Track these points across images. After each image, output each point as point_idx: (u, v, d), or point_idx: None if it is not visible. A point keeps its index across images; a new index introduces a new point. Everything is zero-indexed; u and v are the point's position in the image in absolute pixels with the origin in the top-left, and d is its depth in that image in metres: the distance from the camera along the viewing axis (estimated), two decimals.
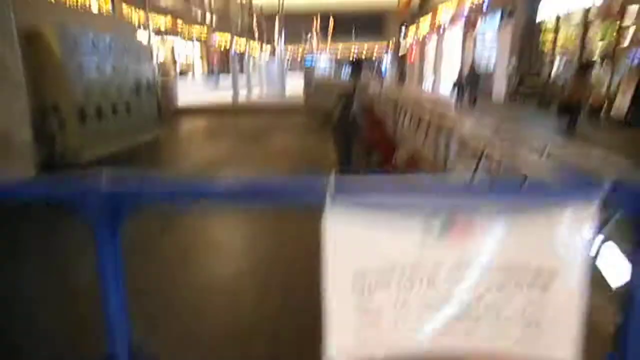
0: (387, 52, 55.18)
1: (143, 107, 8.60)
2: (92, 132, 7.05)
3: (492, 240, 0.72)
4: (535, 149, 1.90)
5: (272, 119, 13.28)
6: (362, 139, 6.51)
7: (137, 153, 7.98)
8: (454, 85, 14.94)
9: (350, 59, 26.47)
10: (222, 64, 35.61)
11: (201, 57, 33.59)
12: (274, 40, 33.64)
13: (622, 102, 10.17)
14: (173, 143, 9.62)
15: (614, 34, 11.51)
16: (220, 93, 21.67)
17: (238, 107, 15.86)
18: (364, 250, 0.72)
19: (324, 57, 58.52)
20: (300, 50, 52.43)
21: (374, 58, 61.69)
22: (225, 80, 25.18)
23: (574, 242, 0.72)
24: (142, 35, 21.38)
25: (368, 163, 5.42)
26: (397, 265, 0.72)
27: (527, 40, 15.85)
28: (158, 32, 24.70)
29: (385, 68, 50.40)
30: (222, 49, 36.33)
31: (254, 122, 12.87)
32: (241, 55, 31.87)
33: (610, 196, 0.69)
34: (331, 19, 50.59)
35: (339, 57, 60.74)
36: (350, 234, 0.71)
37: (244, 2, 44.58)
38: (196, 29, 30.08)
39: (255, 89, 22.65)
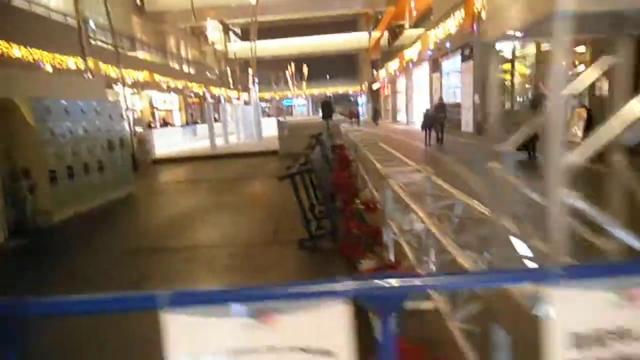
0: (361, 91, 56.89)
1: (115, 164, 8.79)
2: (63, 193, 7.19)
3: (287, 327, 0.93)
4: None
5: (246, 165, 13.58)
6: (328, 181, 6.63)
7: (110, 210, 8.12)
8: (423, 124, 15.52)
9: (322, 100, 27.11)
10: (200, 113, 36.32)
11: (179, 109, 34.17)
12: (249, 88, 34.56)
13: (576, 132, 10.79)
14: (147, 196, 9.77)
15: None
16: (199, 142, 22.04)
17: (214, 155, 16.16)
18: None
19: (301, 100, 60.08)
20: (278, 95, 53.80)
21: (350, 97, 63.45)
22: (204, 129, 25.68)
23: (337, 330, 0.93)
24: (118, 90, 21.78)
25: (328, 210, 5.60)
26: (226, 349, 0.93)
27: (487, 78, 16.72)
28: (135, 85, 25.22)
29: (361, 106, 51.88)
30: (199, 99, 37.14)
31: (228, 169, 13.15)
32: (218, 104, 32.63)
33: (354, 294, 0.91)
34: (304, 65, 52.25)
35: (315, 99, 62.55)
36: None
37: (218, 52, 46.06)
38: (174, 82, 30.74)
39: (232, 135, 23.07)
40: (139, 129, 15.76)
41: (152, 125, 24.24)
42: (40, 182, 6.83)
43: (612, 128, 1.17)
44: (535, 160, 9.14)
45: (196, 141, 23.38)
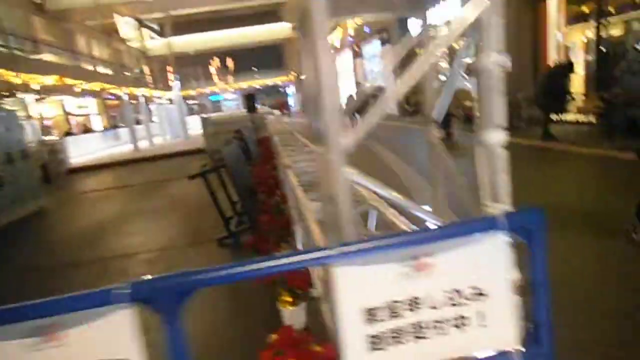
0: (290, 82, 56.76)
1: (19, 178, 8.12)
2: None
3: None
4: None
5: (168, 166, 13.10)
6: (246, 175, 6.53)
7: (15, 227, 7.50)
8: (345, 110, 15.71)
9: (245, 94, 26.79)
10: (121, 116, 34.40)
11: (99, 113, 32.21)
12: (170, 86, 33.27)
13: None
14: (59, 209, 9.13)
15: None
16: (122, 146, 20.95)
17: (135, 158, 15.43)
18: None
19: (230, 95, 58.96)
20: (204, 91, 52.22)
21: (280, 88, 63.13)
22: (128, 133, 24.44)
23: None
24: (22, 97, 20.09)
25: (245, 205, 5.53)
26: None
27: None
28: (44, 91, 23.39)
29: (291, 96, 51.85)
30: (120, 101, 35.18)
31: (150, 172, 12.62)
32: (138, 105, 31.09)
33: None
34: (229, 59, 51.17)
35: (245, 93, 61.48)
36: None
37: (134, 50, 43.85)
38: (88, 84, 28.78)
39: (158, 137, 22.18)
40: (51, 138, 14.68)
41: (70, 132, 22.69)
42: None
43: (380, 109, 1.22)
44: None
45: (119, 146, 22.18)
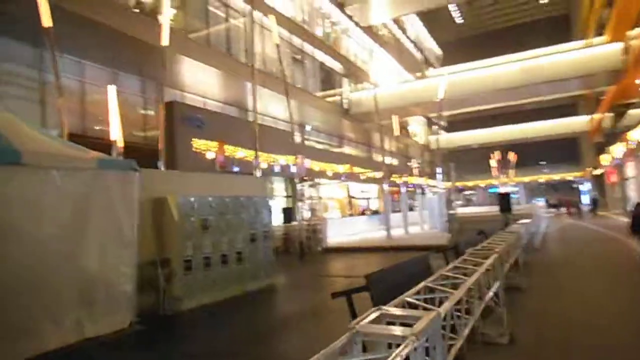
0: (584, 177, 48.65)
1: (257, 256, 9.09)
2: (198, 282, 7.67)
3: None
4: None
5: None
6: None
7: (243, 300, 8.26)
8: (633, 224, 11.66)
9: (500, 192, 23.97)
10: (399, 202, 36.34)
11: (378, 197, 35.10)
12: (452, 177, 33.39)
13: None
14: (287, 288, 9.71)
15: None
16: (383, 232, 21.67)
17: (380, 246, 15.49)
18: None
19: (508, 187, 54.87)
20: (483, 183, 50.32)
21: (573, 184, 55.15)
22: (396, 218, 25.53)
23: None
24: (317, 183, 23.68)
25: None
26: None
27: None
28: (334, 177, 26.92)
29: (586, 194, 43.97)
30: (398, 188, 37.52)
31: (379, 262, 12.23)
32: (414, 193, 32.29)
33: None
34: (512, 152, 48.09)
35: (528, 187, 56.15)
36: None
37: (419, 144, 46.66)
38: (372, 172, 31.89)
39: (415, 226, 22.15)
40: (315, 218, 16.47)
41: (351, 213, 25.26)
42: (178, 271, 7.43)
43: None
44: None
45: (380, 230, 23.17)
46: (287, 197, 23.85)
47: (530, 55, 30.39)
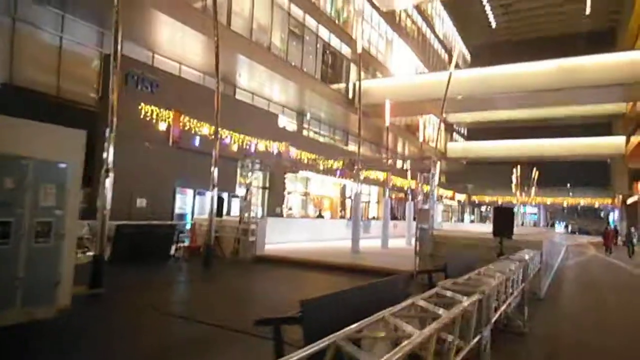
0: (612, 205, 43.38)
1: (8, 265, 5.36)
2: None
3: None
4: None
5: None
6: None
7: None
8: None
9: (499, 206, 19.90)
10: (398, 209, 32.33)
11: (377, 201, 31.31)
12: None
13: None
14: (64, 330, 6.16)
15: None
16: (367, 241, 17.85)
17: (331, 262, 11.68)
18: None
19: (530, 208, 49.95)
20: (499, 199, 45.54)
21: (598, 210, 50.04)
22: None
23: None
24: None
25: None
26: None
27: None
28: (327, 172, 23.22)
29: (612, 224, 38.82)
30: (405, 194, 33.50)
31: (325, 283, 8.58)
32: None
33: None
34: (534, 170, 43.26)
35: (548, 208, 51.01)
36: None
37: (433, 149, 42.33)
38: (374, 173, 28.00)
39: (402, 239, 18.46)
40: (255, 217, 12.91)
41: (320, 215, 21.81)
42: None
43: None
44: None
45: (366, 239, 19.27)
46: (264, 188, 20.44)
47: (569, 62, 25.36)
